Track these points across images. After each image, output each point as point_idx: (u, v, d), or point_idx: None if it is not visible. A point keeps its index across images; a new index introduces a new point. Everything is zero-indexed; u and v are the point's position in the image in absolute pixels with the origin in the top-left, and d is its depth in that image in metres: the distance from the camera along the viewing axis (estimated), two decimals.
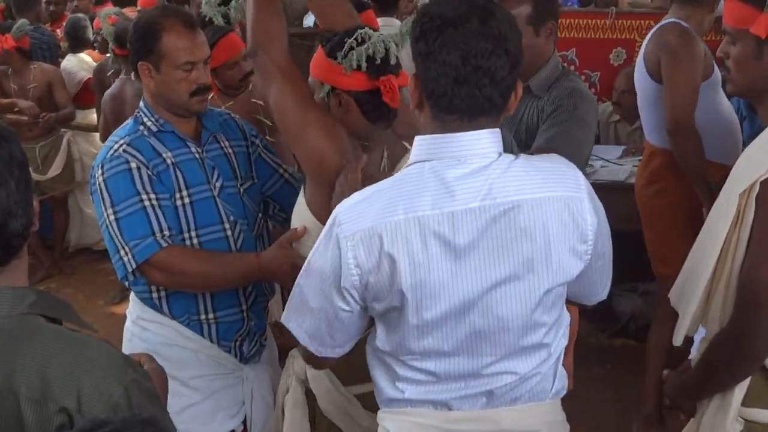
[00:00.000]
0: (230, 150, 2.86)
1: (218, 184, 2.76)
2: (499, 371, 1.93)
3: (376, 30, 2.45)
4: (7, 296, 1.59)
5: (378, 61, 2.37)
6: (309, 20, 5.78)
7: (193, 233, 2.68)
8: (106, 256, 7.24)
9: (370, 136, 2.48)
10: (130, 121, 2.78)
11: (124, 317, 2.95)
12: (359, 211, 1.83)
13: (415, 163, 1.86)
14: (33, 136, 6.19)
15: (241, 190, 2.83)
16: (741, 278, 2.03)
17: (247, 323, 2.81)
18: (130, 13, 5.64)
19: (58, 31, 7.18)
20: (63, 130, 6.51)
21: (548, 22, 3.15)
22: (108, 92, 5.19)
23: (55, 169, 6.37)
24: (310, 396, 2.54)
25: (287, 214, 2.89)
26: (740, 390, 2.07)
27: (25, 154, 1.65)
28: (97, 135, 6.47)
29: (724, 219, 2.06)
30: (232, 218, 2.74)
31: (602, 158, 4.93)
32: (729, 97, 3.94)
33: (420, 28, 1.80)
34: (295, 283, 1.97)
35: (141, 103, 2.78)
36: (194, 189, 2.71)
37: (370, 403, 2.22)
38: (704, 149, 3.75)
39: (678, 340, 2.24)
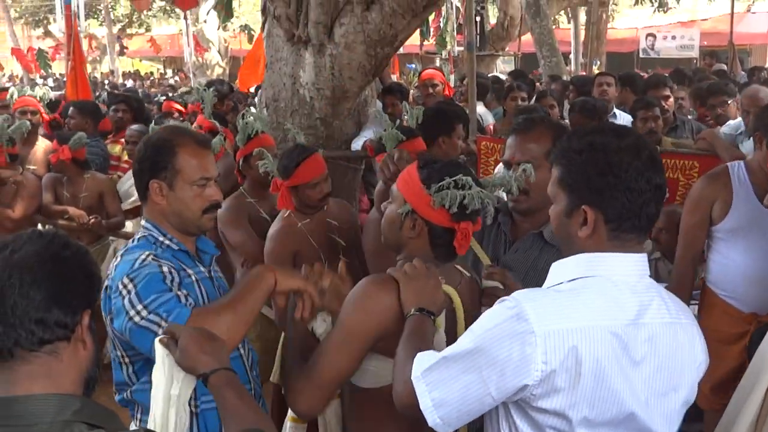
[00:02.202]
0: (222, 276, 2.94)
1: None
2: None
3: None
4: (53, 402, 1.65)
5: (468, 211, 2.45)
6: (357, 144, 5.91)
7: None
8: None
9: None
10: (139, 242, 2.73)
11: None
12: (550, 312, 1.92)
13: (591, 277, 2.01)
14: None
15: None
16: None
17: None
18: None
19: (121, 140, 7.36)
20: (111, 238, 6.63)
21: None
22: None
23: None
24: None
25: None
26: None
27: (84, 262, 1.78)
28: None
29: (764, 373, 2.06)
30: None
31: None
32: None
33: (604, 162, 1.99)
34: (451, 352, 2.02)
35: (147, 224, 2.77)
36: None
37: None
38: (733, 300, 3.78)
39: None
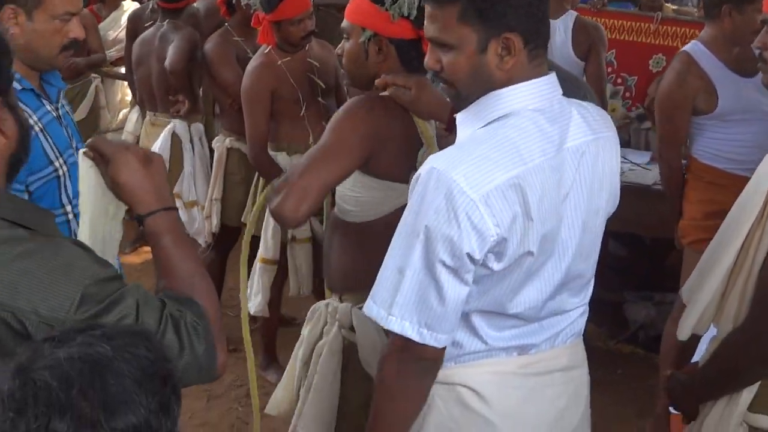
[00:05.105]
0: (69, 110, 2.66)
1: (74, 145, 2.54)
2: (569, 308, 1.99)
3: None
4: None
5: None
6: None
7: (71, 206, 2.44)
8: None
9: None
10: None
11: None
12: (482, 170, 1.72)
13: (504, 116, 1.79)
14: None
15: None
16: (761, 277, 1.94)
17: None
18: None
19: None
20: (93, 75, 6.46)
21: None
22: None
23: (79, 114, 6.26)
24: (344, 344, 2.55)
25: None
26: (748, 393, 1.99)
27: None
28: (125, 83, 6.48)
29: (747, 214, 1.98)
30: None
31: (630, 161, 4.83)
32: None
33: None
34: (401, 273, 1.78)
35: None
36: (66, 154, 2.47)
37: None
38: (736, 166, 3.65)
39: (683, 334, 2.17)
